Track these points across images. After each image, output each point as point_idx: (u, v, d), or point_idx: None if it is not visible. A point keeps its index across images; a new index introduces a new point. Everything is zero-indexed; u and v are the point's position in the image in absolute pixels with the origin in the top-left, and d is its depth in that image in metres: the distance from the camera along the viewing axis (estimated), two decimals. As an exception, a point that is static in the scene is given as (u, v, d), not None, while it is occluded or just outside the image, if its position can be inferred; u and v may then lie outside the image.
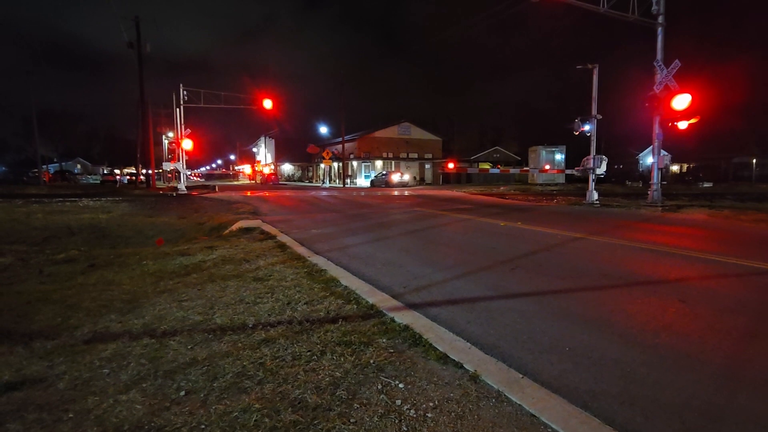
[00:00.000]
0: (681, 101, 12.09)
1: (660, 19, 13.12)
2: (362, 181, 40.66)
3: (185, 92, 24.38)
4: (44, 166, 38.69)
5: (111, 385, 2.20)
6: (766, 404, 2.06)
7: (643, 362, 2.50)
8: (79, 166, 69.82)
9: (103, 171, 67.76)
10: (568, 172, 21.07)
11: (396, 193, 22.26)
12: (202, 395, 2.08)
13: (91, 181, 47.80)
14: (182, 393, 2.11)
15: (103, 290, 3.97)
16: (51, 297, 3.77)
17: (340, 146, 37.85)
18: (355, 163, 42.48)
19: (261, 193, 22.01)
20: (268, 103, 24.90)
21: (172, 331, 2.92)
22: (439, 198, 18.17)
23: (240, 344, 2.68)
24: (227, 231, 8.00)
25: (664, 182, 13.54)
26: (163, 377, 2.27)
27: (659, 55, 13.01)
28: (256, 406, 1.98)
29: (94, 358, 2.53)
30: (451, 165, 23.88)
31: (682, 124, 12.54)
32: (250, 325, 2.99)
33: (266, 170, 53.08)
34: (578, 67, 16.58)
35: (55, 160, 63.63)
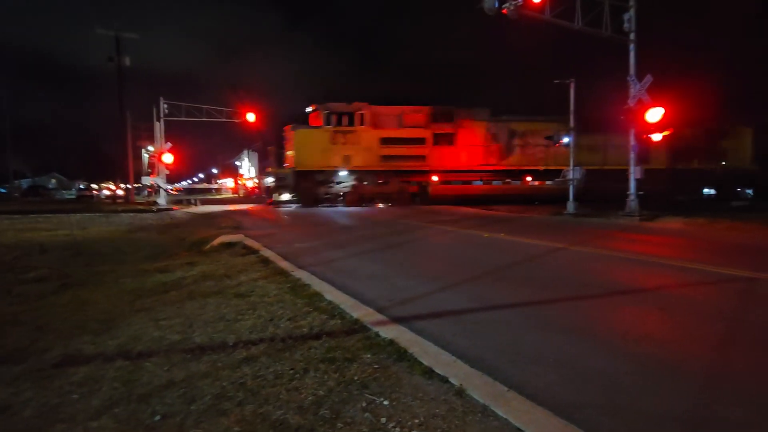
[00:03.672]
0: (654, 114, 12.60)
1: (632, 36, 13.67)
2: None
3: (166, 105, 24.07)
4: (16, 182, 37.39)
5: (81, 412, 2.08)
6: (746, 410, 2.09)
7: (625, 371, 2.52)
8: (54, 181, 67.75)
9: (80, 186, 65.93)
10: (549, 183, 21.53)
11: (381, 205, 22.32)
12: (178, 419, 2.00)
13: (67, 197, 46.37)
14: (157, 418, 2.01)
15: (77, 310, 3.81)
16: (19, 319, 3.59)
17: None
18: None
19: (243, 207, 21.72)
20: (251, 117, 24.80)
21: (148, 351, 2.81)
22: (422, 211, 18.26)
23: (219, 364, 2.59)
24: (208, 246, 7.84)
25: (641, 192, 13.89)
26: (137, 401, 2.17)
27: (632, 71, 13.52)
28: (236, 429, 1.91)
29: (64, 382, 2.40)
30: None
31: (656, 136, 13.06)
32: (231, 344, 2.90)
33: (249, 183, 52.54)
34: (555, 81, 17.10)
35: (28, 175, 61.62)
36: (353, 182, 21.23)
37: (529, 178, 22.49)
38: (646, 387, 2.33)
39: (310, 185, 20.90)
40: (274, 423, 1.95)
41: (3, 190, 38.52)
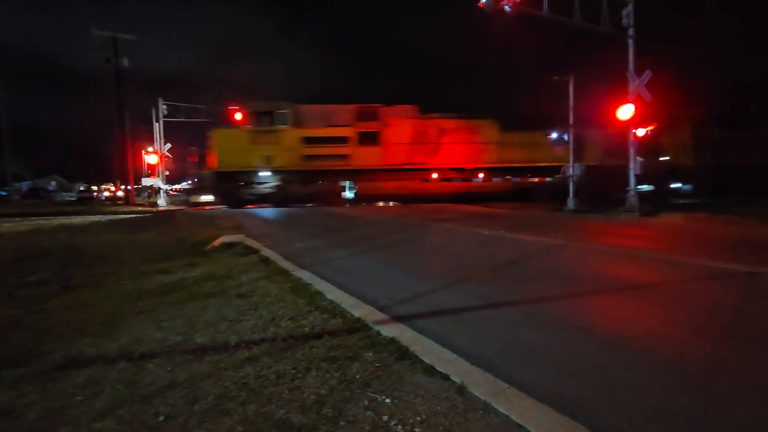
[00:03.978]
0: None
1: (630, 31, 13.66)
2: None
3: (165, 107, 24.07)
4: (16, 184, 37.40)
5: (84, 414, 2.10)
6: (747, 404, 2.10)
7: (626, 367, 2.52)
8: (54, 183, 67.72)
9: (80, 188, 65.90)
10: (549, 179, 21.55)
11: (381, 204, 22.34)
12: (181, 420, 2.01)
13: (67, 199, 46.37)
14: (161, 418, 2.02)
15: (78, 313, 3.82)
16: (21, 322, 3.60)
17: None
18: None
19: (244, 207, 21.73)
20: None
21: (150, 353, 2.82)
22: (426, 208, 18.26)
23: (222, 364, 2.60)
24: (209, 247, 7.84)
25: (641, 187, 13.95)
26: (140, 402, 2.18)
27: (631, 66, 13.51)
28: (239, 428, 1.92)
29: (67, 385, 2.41)
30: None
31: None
32: (233, 344, 2.91)
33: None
34: (554, 78, 17.09)
35: (27, 177, 61.63)
36: (277, 183, 20.89)
37: (481, 175, 22.29)
38: (648, 383, 2.34)
39: (231, 186, 20.52)
40: (276, 422, 1.96)
41: (3, 193, 38.54)
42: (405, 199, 21.78)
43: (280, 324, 3.29)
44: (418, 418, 1.97)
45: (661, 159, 22.32)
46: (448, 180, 22.23)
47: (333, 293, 4.14)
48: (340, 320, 3.34)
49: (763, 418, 1.99)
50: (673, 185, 22.11)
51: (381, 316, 3.46)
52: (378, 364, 2.53)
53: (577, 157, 18.08)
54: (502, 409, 2.03)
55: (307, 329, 3.16)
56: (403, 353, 2.67)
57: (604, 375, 2.43)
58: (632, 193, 13.54)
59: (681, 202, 17.35)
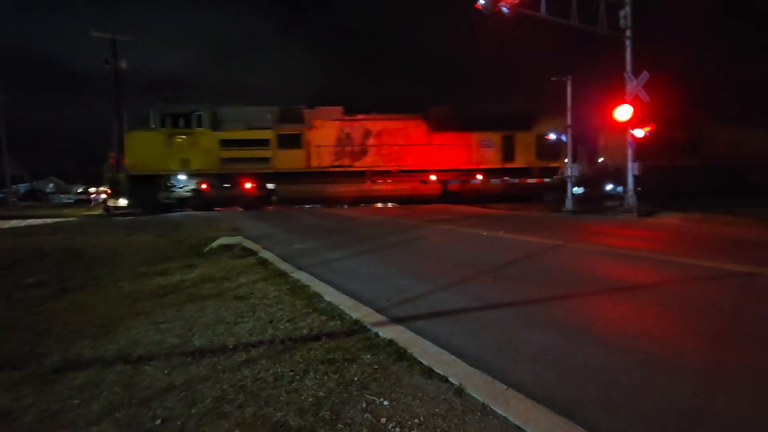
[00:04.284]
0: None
1: (628, 32, 13.70)
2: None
3: (163, 108, 23.99)
4: (14, 186, 37.29)
5: (81, 417, 2.09)
6: (743, 405, 2.11)
7: (624, 368, 2.53)
8: (52, 185, 67.54)
9: (78, 189, 65.70)
10: (547, 180, 21.58)
11: (380, 204, 22.31)
12: (179, 423, 2.00)
13: (65, 200, 46.23)
14: (158, 422, 2.02)
15: (76, 315, 3.81)
16: (19, 324, 3.59)
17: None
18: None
19: (242, 208, 21.71)
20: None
21: (148, 355, 2.81)
22: (420, 210, 18.27)
23: (219, 367, 2.60)
24: (207, 248, 7.83)
25: (639, 188, 13.96)
26: (137, 405, 2.17)
27: (628, 67, 13.55)
28: (236, 431, 1.91)
29: (64, 387, 2.40)
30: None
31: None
32: (231, 346, 2.91)
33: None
34: (553, 79, 17.13)
35: (25, 179, 61.45)
36: (195, 187, 20.38)
37: (426, 179, 21.45)
38: (645, 383, 2.34)
39: (148, 190, 20.00)
40: (274, 425, 1.95)
41: (0, 195, 38.46)
42: (330, 202, 21.24)
43: (278, 326, 3.29)
44: (416, 421, 1.97)
45: (599, 161, 22.24)
46: (376, 182, 21.52)
47: (331, 295, 4.14)
48: (339, 322, 3.34)
49: (760, 419, 2.00)
50: (608, 187, 22.02)
51: (379, 317, 3.46)
52: (376, 366, 2.53)
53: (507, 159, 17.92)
54: (500, 411, 2.03)
55: (305, 331, 3.16)
56: (401, 355, 2.67)
57: (602, 376, 2.43)
58: (630, 193, 13.57)
59: (609, 205, 17.39)
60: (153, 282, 5.04)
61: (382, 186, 21.62)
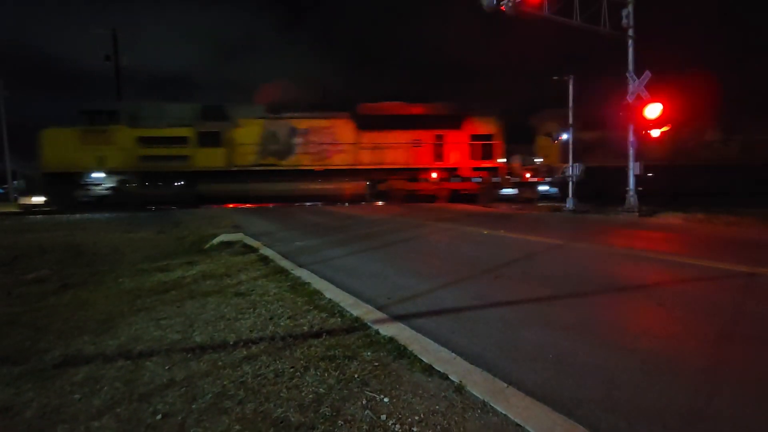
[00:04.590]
0: (653, 110, 12.62)
1: (630, 32, 13.65)
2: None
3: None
4: (15, 182, 37.28)
5: (82, 412, 2.09)
6: (743, 405, 2.11)
7: (624, 367, 2.53)
8: None
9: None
10: (548, 180, 21.55)
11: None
12: (179, 418, 2.01)
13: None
14: (159, 417, 2.02)
15: (76, 311, 3.82)
16: (20, 320, 3.60)
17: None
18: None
19: (243, 205, 21.72)
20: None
21: (148, 351, 2.82)
22: (420, 209, 18.26)
23: (220, 363, 2.60)
24: (208, 245, 7.84)
25: (640, 188, 13.94)
26: (138, 401, 2.18)
27: (631, 66, 13.51)
28: (237, 427, 1.92)
29: (65, 383, 2.41)
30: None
31: (655, 133, 13.09)
32: (231, 343, 2.91)
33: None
34: (554, 78, 17.09)
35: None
36: (113, 185, 19.91)
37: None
38: (645, 382, 2.34)
39: (63, 188, 19.39)
40: (275, 421, 1.96)
41: (1, 191, 38.44)
42: (255, 201, 20.72)
43: (279, 323, 3.29)
44: (416, 417, 1.97)
45: (536, 161, 21.99)
46: (302, 181, 20.99)
47: (332, 292, 4.14)
48: (339, 319, 3.34)
49: (761, 419, 2.00)
50: (540, 188, 21.85)
51: (379, 315, 3.46)
52: (376, 363, 2.53)
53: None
54: (500, 409, 2.03)
55: (305, 328, 3.16)
56: (401, 352, 2.68)
57: (602, 374, 2.43)
58: (631, 193, 13.55)
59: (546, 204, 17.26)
60: (154, 278, 5.05)
61: (308, 185, 21.04)
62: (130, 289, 4.54)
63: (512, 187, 21.50)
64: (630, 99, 13.13)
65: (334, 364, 2.52)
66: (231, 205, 20.50)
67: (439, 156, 21.40)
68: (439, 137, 21.36)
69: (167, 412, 2.06)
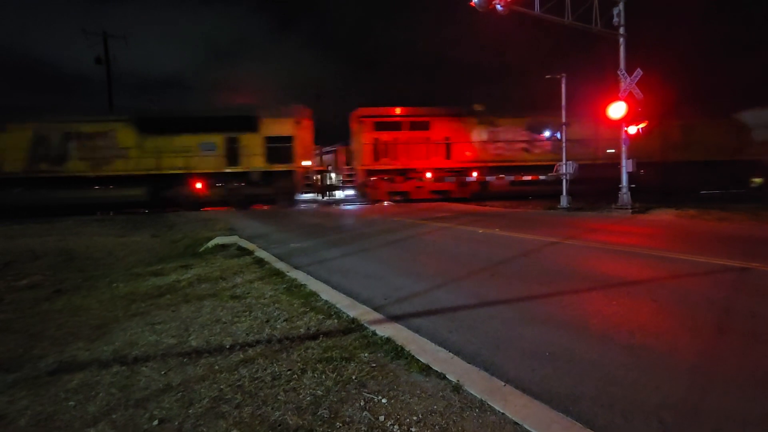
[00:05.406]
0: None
1: (621, 30, 13.76)
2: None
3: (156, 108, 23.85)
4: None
5: (77, 419, 2.08)
6: (738, 399, 2.13)
7: (619, 363, 2.55)
8: (44, 186, 66.65)
9: (71, 190, 64.75)
10: (542, 178, 21.63)
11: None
12: (176, 423, 1.99)
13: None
14: (155, 422, 2.01)
15: (70, 316, 3.78)
16: (12, 326, 3.56)
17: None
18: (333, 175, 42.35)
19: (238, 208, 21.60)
20: None
21: (144, 356, 2.80)
22: (419, 207, 18.27)
23: (217, 367, 2.59)
24: (202, 248, 7.80)
25: (633, 185, 14.06)
26: (134, 406, 2.16)
27: (622, 64, 13.62)
28: (234, 431, 1.91)
29: (60, 389, 2.39)
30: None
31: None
32: (227, 346, 2.90)
33: None
34: (547, 77, 17.17)
35: (18, 180, 60.69)
36: None
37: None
38: (641, 378, 2.36)
39: None
40: (272, 424, 1.95)
41: None
42: (25, 211, 19.09)
43: (275, 325, 3.28)
44: (415, 418, 1.98)
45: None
46: (78, 190, 19.59)
47: (328, 294, 4.13)
48: (336, 321, 3.34)
49: (754, 412, 2.02)
50: (340, 192, 21.59)
51: (376, 315, 3.46)
52: (374, 364, 2.53)
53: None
54: (498, 407, 2.04)
55: (302, 330, 3.15)
56: (398, 353, 2.68)
57: (598, 371, 2.45)
58: (624, 190, 13.66)
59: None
60: (148, 282, 5.01)
61: (86, 193, 19.70)
62: (124, 294, 4.51)
63: (309, 191, 21.07)
64: (622, 96, 13.24)
65: (331, 366, 2.52)
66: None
67: (233, 160, 20.15)
68: (233, 140, 20.12)
69: (164, 418, 2.04)
